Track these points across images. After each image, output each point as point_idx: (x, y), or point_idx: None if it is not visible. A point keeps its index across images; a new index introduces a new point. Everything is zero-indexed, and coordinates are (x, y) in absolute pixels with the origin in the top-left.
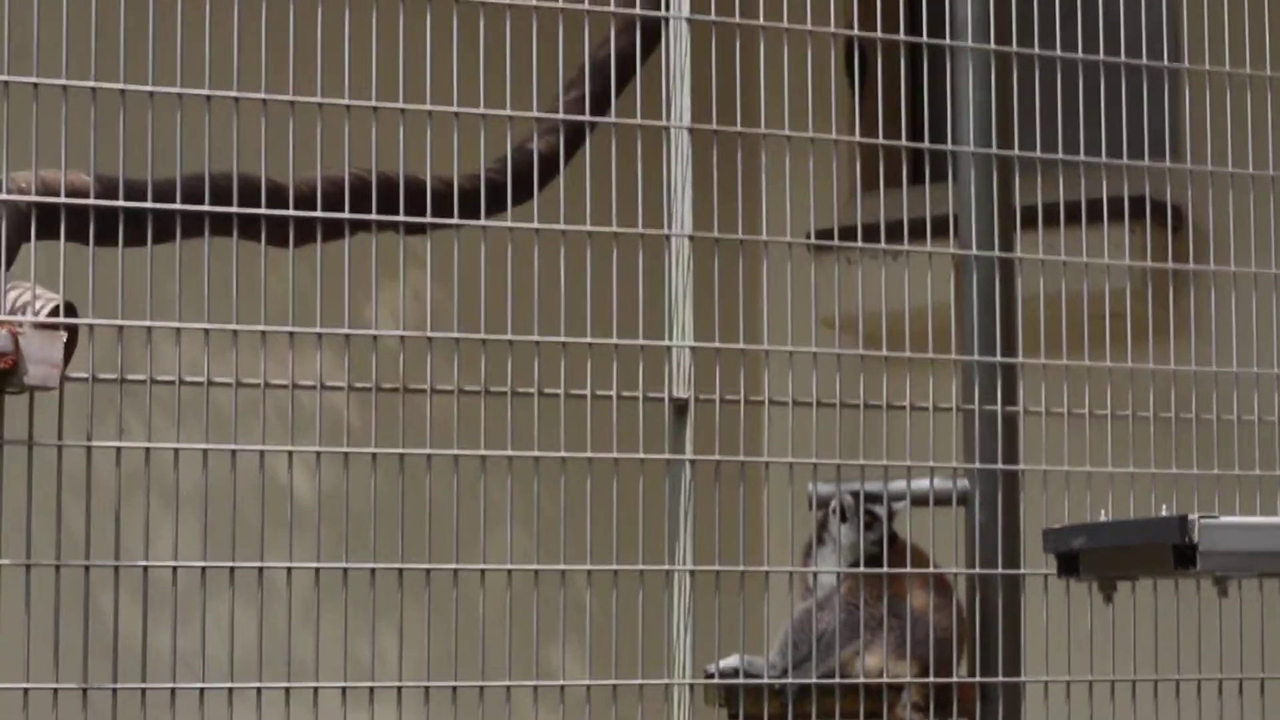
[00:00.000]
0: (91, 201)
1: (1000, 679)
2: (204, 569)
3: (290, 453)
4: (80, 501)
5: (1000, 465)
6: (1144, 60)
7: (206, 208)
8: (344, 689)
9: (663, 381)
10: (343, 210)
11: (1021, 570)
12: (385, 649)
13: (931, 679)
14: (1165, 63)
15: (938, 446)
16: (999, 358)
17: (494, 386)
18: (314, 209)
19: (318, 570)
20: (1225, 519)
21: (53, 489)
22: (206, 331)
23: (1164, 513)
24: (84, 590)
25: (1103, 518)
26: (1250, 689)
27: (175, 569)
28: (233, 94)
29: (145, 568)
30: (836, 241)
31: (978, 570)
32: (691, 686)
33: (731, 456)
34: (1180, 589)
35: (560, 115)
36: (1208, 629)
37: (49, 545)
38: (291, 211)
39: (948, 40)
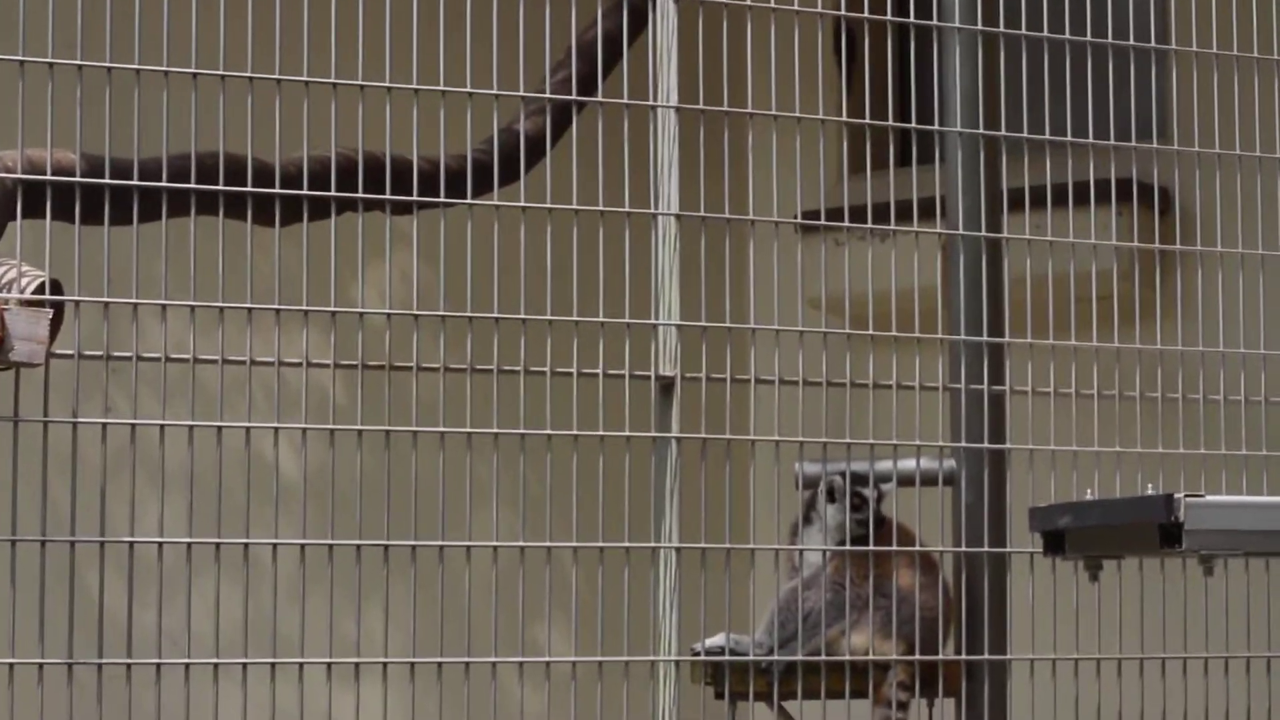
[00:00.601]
0: (78, 179)
1: (986, 657)
2: (189, 545)
3: (276, 430)
4: (66, 478)
5: (987, 445)
6: (1131, 42)
7: (193, 186)
8: (329, 665)
9: (649, 360)
10: (329, 190)
11: (1008, 549)
12: (371, 627)
13: (918, 658)
14: (1153, 44)
15: (924, 427)
16: (985, 337)
17: (480, 365)
18: (300, 188)
19: (303, 547)
20: (1211, 498)
21: (38, 466)
22: (192, 309)
23: (1150, 492)
24: (69, 567)
25: (1089, 497)
26: (1236, 668)
27: (161, 545)
28: (219, 73)
29: (131, 544)
30: (823, 222)
31: (964, 549)
32: (677, 664)
33: (717, 435)
34: (1166, 568)
35: (547, 95)
36: (1193, 608)
37: (34, 521)
38: (278, 190)
39: (935, 21)
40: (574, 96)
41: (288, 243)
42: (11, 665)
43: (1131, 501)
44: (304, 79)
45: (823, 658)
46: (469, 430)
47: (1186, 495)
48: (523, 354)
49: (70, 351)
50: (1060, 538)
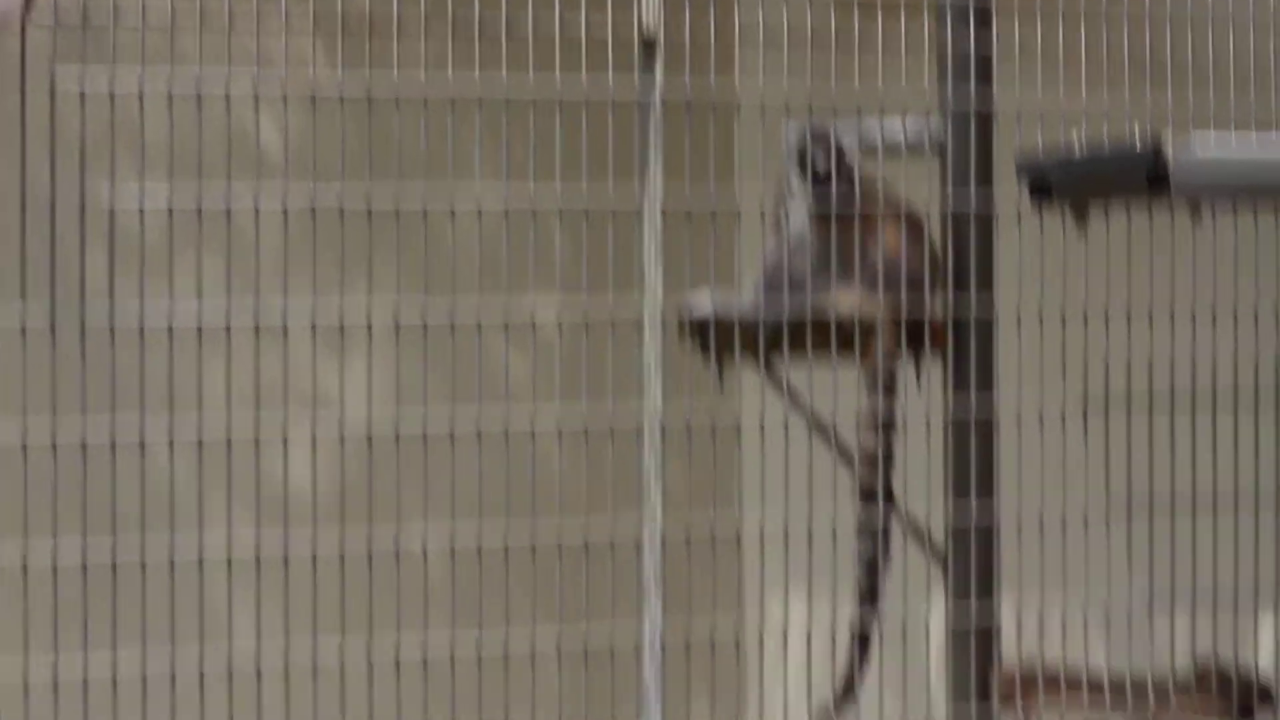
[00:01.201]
0: None
1: (973, 312)
2: (170, 211)
3: (256, 97)
4: (45, 152)
5: (974, 104)
6: None
7: None
8: (313, 328)
9: (632, 25)
10: None
11: (994, 209)
12: (356, 296)
13: (904, 315)
14: None
15: (911, 94)
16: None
17: (462, 32)
18: None
19: (285, 212)
20: (1197, 141)
21: (16, 136)
22: None
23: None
24: (50, 236)
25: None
26: (1224, 317)
27: (142, 211)
28: None
29: (111, 210)
30: None
31: (951, 207)
32: (663, 321)
33: (703, 95)
34: (1154, 223)
35: None
36: (1182, 259)
37: (13, 193)
38: None
39: None
40: None
41: None
42: None
43: (1119, 149)
44: None
45: (809, 317)
46: (451, 95)
47: (1173, 139)
48: (504, 18)
49: (49, 20)
50: (1047, 184)
